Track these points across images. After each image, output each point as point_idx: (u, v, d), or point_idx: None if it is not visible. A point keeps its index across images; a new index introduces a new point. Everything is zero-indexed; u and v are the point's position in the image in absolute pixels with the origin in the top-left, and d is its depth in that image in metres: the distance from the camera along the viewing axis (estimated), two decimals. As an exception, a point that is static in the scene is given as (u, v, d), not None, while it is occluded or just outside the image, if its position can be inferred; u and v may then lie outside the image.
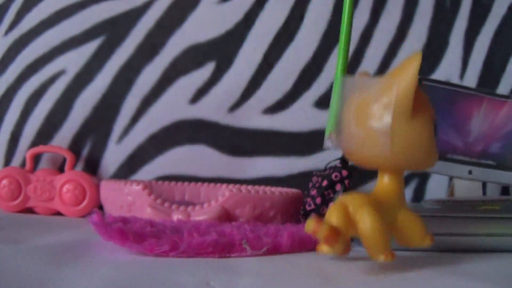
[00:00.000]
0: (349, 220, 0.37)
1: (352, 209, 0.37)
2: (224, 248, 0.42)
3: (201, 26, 0.74)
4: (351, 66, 0.74)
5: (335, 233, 0.36)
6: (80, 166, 0.73)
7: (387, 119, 0.37)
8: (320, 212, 0.56)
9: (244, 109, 0.74)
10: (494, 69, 0.75)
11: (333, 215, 0.37)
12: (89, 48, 0.74)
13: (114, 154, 0.73)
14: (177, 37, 0.74)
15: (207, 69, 0.74)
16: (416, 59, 0.37)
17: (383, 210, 0.38)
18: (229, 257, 0.42)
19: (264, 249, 0.43)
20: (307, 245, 0.46)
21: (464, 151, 0.59)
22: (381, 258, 0.37)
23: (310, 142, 0.73)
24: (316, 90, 0.74)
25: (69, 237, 0.48)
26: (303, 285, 0.34)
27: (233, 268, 0.37)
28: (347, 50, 0.49)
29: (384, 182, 0.40)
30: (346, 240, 0.38)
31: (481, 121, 0.60)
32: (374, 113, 0.38)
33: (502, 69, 0.75)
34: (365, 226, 0.36)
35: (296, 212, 0.60)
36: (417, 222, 0.40)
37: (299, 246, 0.45)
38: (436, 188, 0.73)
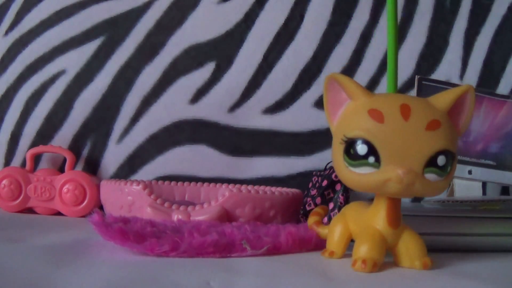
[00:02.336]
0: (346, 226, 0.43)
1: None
2: (225, 248, 0.42)
3: (201, 26, 0.74)
4: (351, 66, 0.74)
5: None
6: (80, 166, 0.73)
7: None
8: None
9: (244, 109, 0.74)
10: (494, 69, 0.75)
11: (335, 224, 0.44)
12: (89, 48, 0.74)
13: (114, 154, 0.73)
14: (177, 37, 0.74)
15: (207, 69, 0.74)
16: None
17: (363, 223, 0.40)
18: (229, 257, 0.42)
19: (264, 248, 0.43)
20: (307, 245, 0.46)
21: (464, 151, 0.59)
22: (326, 253, 0.42)
23: (310, 142, 0.73)
24: (316, 90, 0.74)
25: (69, 237, 0.48)
26: (303, 285, 0.34)
27: (233, 268, 0.37)
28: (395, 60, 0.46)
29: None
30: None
31: (481, 121, 0.60)
32: None
33: (502, 69, 0.75)
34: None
35: (296, 212, 0.60)
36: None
37: (299, 246, 0.45)
38: (436, 188, 0.73)
